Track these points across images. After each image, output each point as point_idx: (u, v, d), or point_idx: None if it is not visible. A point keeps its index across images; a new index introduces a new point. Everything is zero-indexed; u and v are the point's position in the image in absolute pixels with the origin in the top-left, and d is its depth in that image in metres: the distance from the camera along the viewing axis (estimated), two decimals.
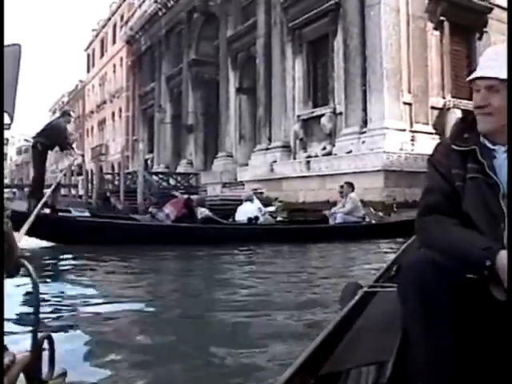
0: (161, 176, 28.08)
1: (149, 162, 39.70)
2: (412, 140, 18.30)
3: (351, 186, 12.67)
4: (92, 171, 29.36)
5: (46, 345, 1.31)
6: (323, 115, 21.02)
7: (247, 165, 25.17)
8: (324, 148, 20.57)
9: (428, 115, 19.34)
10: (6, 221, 1.26)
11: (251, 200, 12.75)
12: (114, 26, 51.24)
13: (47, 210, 10.15)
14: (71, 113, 12.35)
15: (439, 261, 1.61)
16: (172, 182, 27.51)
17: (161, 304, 5.08)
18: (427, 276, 1.55)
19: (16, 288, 4.24)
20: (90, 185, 26.76)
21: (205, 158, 32.69)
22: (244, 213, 12.12)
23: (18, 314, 3.92)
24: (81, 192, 28.48)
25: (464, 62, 21.56)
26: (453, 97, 20.27)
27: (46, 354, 1.31)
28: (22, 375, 1.22)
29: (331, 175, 18.43)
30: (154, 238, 9.83)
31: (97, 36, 58.15)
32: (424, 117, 19.13)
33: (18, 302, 4.43)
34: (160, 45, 37.91)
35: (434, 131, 19.10)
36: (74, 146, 12.21)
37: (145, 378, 2.89)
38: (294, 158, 22.13)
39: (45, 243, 9.93)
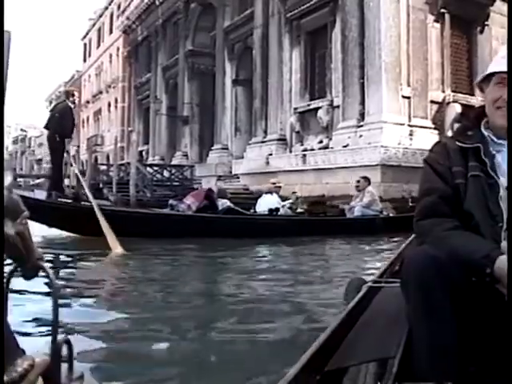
0: (155, 168, 27.88)
1: (144, 153, 39.64)
2: (410, 134, 17.96)
3: (368, 180, 12.87)
4: (87, 162, 29.22)
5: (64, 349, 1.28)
6: (320, 108, 20.69)
7: (243, 157, 24.92)
8: (320, 141, 20.25)
9: (427, 109, 18.96)
10: (23, 222, 1.21)
11: (271, 192, 12.83)
12: (111, 15, 50.83)
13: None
14: (75, 92, 12.04)
15: (441, 256, 1.60)
16: (166, 174, 27.32)
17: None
18: (428, 272, 1.56)
19: (35, 290, 4.21)
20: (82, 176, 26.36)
21: (200, 150, 32.47)
22: (265, 204, 12.26)
23: (36, 318, 3.80)
24: (74, 183, 28.14)
25: (464, 55, 21.12)
26: (453, 91, 19.87)
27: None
28: (40, 379, 1.19)
29: (327, 169, 18.17)
30: (179, 228, 9.82)
31: (93, 25, 57.66)
32: (423, 111, 18.76)
33: (38, 304, 4.27)
34: (156, 35, 37.62)
35: (432, 126, 18.85)
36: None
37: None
38: (290, 151, 21.82)
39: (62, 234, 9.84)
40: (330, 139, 19.68)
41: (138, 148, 40.97)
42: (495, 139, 1.87)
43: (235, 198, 14.76)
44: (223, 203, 11.29)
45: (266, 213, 11.82)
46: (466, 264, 1.63)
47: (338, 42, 20.05)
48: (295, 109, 22.21)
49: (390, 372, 1.52)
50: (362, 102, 18.55)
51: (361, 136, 17.98)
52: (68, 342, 1.29)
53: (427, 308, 1.56)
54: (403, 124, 18.01)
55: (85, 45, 62.63)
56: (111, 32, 50.51)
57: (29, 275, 1.28)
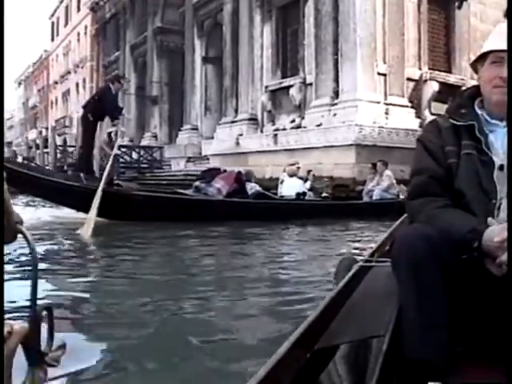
0: (123, 149, 27.22)
1: (112, 135, 38.63)
2: (386, 113, 17.34)
3: (385, 163, 12.81)
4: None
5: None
6: (292, 86, 19.95)
7: (213, 138, 24.19)
8: (293, 121, 19.52)
9: (403, 87, 18.30)
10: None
11: (295, 175, 12.69)
12: None
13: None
14: (121, 80, 12.20)
15: (431, 234, 1.63)
16: (135, 155, 26.76)
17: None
18: (419, 250, 1.59)
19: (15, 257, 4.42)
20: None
21: (170, 130, 31.82)
22: (290, 188, 12.12)
23: (17, 285, 3.84)
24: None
25: (442, 32, 20.55)
26: (430, 68, 19.32)
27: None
28: (20, 347, 1.17)
29: (300, 149, 17.44)
30: (209, 213, 9.80)
31: (61, 3, 56.19)
32: (399, 89, 18.10)
33: (18, 271, 4.47)
34: (125, 12, 36.66)
35: (409, 104, 18.29)
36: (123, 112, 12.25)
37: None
38: (262, 132, 21.11)
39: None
40: (303, 118, 18.98)
41: (106, 129, 40.37)
42: (488, 119, 1.88)
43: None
44: (252, 187, 11.24)
45: (293, 197, 11.74)
46: (454, 240, 1.64)
47: (311, 16, 19.28)
48: (266, 87, 21.45)
49: (380, 350, 1.55)
50: (336, 80, 17.86)
51: (335, 115, 17.31)
52: (48, 309, 1.24)
53: (418, 286, 1.57)
54: (379, 102, 17.37)
55: (52, 23, 61.23)
56: (79, 10, 49.28)
57: (7, 238, 1.23)
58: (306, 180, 13.44)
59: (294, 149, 17.76)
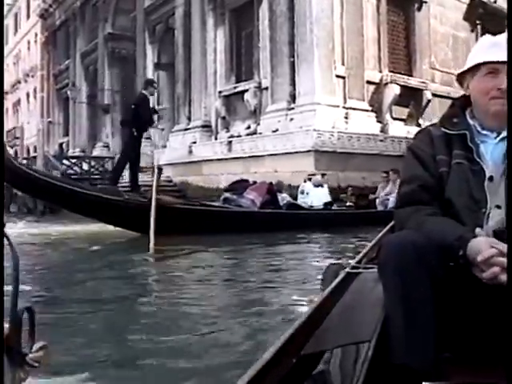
0: (72, 160, 26.20)
1: (64, 145, 37.85)
2: (346, 117, 16.69)
3: (397, 172, 12.38)
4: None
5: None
6: (247, 91, 19.09)
7: (166, 147, 23.11)
8: (248, 127, 18.65)
9: (363, 90, 17.68)
10: None
11: (321, 185, 12.96)
12: None
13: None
14: (155, 84, 12.07)
15: (418, 240, 1.63)
16: (85, 166, 25.65)
17: None
18: (406, 256, 1.59)
19: None
20: None
21: (122, 140, 30.24)
22: (318, 198, 12.47)
23: None
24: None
25: (402, 33, 20.08)
26: (390, 71, 18.75)
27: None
28: None
29: (255, 157, 16.59)
30: (247, 224, 9.78)
31: (10, 10, 54.52)
32: (359, 92, 17.45)
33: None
34: (75, 18, 35.48)
35: (370, 108, 17.66)
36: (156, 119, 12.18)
37: None
38: (216, 139, 20.17)
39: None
40: (258, 124, 18.18)
41: (58, 140, 39.20)
42: (480, 129, 1.88)
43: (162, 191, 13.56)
44: (283, 198, 11.66)
45: (321, 206, 12.19)
46: (441, 247, 1.64)
47: (265, 18, 18.55)
48: (220, 92, 20.56)
49: (366, 356, 1.56)
50: (293, 83, 17.14)
51: (292, 120, 16.55)
52: (29, 310, 1.18)
53: (403, 292, 1.57)
54: (338, 106, 16.70)
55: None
56: (28, 17, 47.91)
57: None
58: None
59: (250, 156, 16.97)
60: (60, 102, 40.09)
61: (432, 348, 1.55)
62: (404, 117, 18.78)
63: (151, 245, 7.93)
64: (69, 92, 34.54)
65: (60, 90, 39.69)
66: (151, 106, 12.28)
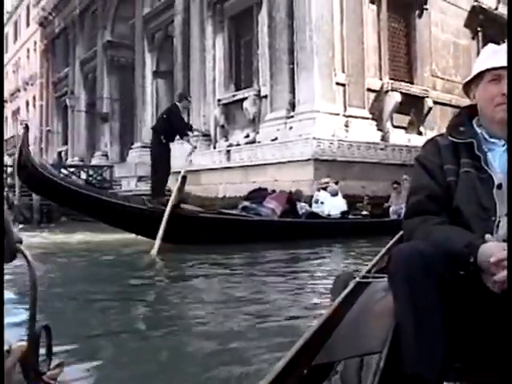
0: (70, 169, 26.03)
1: (63, 154, 37.70)
2: (346, 125, 16.41)
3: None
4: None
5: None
6: (246, 99, 18.78)
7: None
8: (247, 136, 18.38)
9: (364, 98, 17.40)
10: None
11: (337, 194, 12.84)
12: (28, 6, 47.95)
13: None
14: (188, 98, 12.36)
15: (428, 250, 1.64)
16: (84, 175, 25.45)
17: None
18: (415, 266, 1.59)
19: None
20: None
21: (121, 149, 30.49)
22: (335, 207, 12.38)
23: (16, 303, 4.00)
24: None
25: (403, 41, 19.81)
26: (391, 78, 18.46)
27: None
28: (18, 366, 1.20)
29: (254, 166, 16.36)
30: (267, 233, 9.76)
31: (10, 18, 54.49)
32: (359, 100, 17.18)
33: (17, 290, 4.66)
34: (74, 26, 35.25)
35: (370, 116, 17.39)
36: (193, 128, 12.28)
37: None
38: (214, 148, 19.89)
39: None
40: (257, 133, 17.90)
41: (57, 148, 39.04)
42: (487, 137, 1.89)
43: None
44: (302, 207, 11.66)
45: (339, 215, 12.17)
46: (450, 255, 1.64)
47: (264, 25, 18.31)
48: (219, 100, 20.29)
49: (377, 367, 1.54)
50: (292, 91, 16.86)
51: (291, 128, 16.24)
52: (47, 329, 1.26)
53: (414, 302, 1.57)
54: (338, 114, 16.41)
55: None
56: (28, 25, 47.70)
57: (7, 258, 1.25)
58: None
59: (248, 165, 16.70)
60: (59, 111, 39.81)
61: (442, 357, 1.54)
62: (405, 125, 18.52)
63: (154, 250, 8.05)
64: (67, 100, 34.31)
65: (59, 98, 39.45)
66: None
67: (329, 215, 12.15)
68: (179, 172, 19.69)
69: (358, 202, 14.26)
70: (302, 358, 1.43)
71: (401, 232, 2.77)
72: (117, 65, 31.13)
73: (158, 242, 8.33)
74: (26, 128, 8.77)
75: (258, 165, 16.29)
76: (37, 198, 19.19)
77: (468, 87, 2.01)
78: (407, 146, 17.34)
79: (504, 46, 1.86)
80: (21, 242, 1.27)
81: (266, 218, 10.55)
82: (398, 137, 17.68)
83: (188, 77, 21.90)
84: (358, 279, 2.24)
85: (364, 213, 14.04)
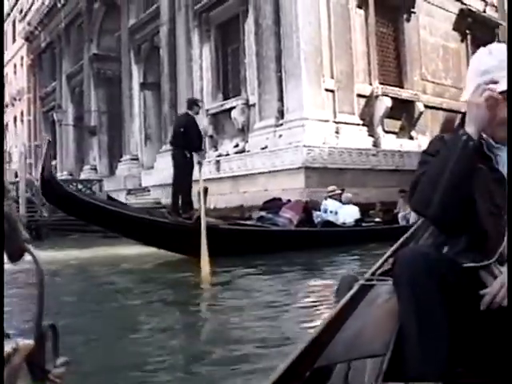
0: None
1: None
2: (336, 132, 16.17)
3: None
4: None
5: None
6: (234, 108, 18.51)
7: (154, 168, 22.55)
8: (236, 145, 18.12)
9: (354, 104, 17.17)
10: (8, 202, 1.32)
11: (349, 202, 12.92)
12: (14, 21, 47.85)
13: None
14: (199, 103, 12.01)
15: (431, 254, 1.69)
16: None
17: None
18: (419, 269, 1.60)
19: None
20: None
21: (110, 162, 30.15)
22: (349, 215, 12.45)
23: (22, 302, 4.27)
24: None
25: (391, 45, 19.62)
26: (381, 83, 18.26)
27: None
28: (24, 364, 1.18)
29: (244, 176, 16.08)
30: (286, 242, 9.82)
31: None
32: (349, 106, 16.94)
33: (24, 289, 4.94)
34: (60, 40, 35.05)
35: (361, 122, 17.15)
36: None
37: None
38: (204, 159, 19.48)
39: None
40: (247, 142, 17.66)
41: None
42: (493, 143, 1.86)
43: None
44: (317, 215, 11.76)
45: (353, 223, 12.27)
46: (453, 152, 1.73)
47: (251, 33, 18.08)
48: (207, 110, 20.00)
49: (380, 370, 1.54)
50: (281, 99, 16.63)
51: (280, 136, 16.01)
52: (53, 327, 1.25)
53: (418, 305, 1.58)
54: (328, 120, 16.17)
55: None
56: (14, 40, 47.53)
57: (14, 258, 1.23)
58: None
59: (238, 175, 16.46)
60: (47, 125, 39.38)
61: (446, 362, 1.54)
62: (396, 130, 18.31)
63: (205, 273, 7.64)
64: (54, 114, 33.96)
65: (47, 112, 39.09)
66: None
67: (344, 223, 12.21)
68: (169, 185, 19.58)
69: (370, 210, 14.38)
70: (304, 359, 1.45)
71: (404, 236, 3.00)
72: (104, 78, 30.83)
73: (205, 258, 8.06)
74: (49, 142, 8.65)
75: (247, 174, 16.09)
76: (23, 213, 18.83)
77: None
78: (399, 151, 17.16)
79: (493, 61, 1.87)
80: (28, 242, 1.26)
81: (283, 227, 10.60)
82: (389, 142, 17.48)
83: (175, 88, 21.68)
84: (362, 281, 2.26)
85: (377, 219, 14.17)
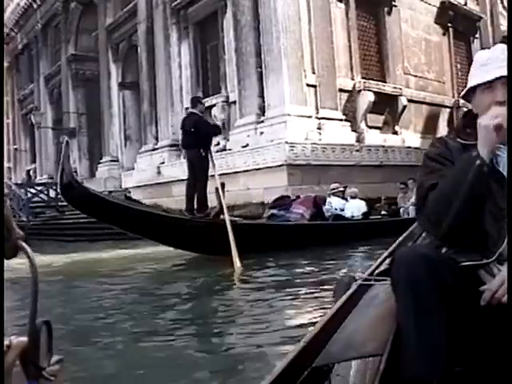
0: (39, 188, 25.26)
1: (31, 172, 36.82)
2: (319, 128, 15.75)
3: (416, 180, 12.24)
4: None
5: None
6: (214, 106, 18.17)
7: (134, 169, 22.24)
8: (217, 143, 17.66)
9: (336, 99, 16.80)
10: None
11: (356, 196, 13.00)
12: None
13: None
14: (201, 100, 11.98)
15: (431, 255, 1.68)
16: (52, 193, 24.69)
17: None
18: (418, 270, 1.60)
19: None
20: None
21: (90, 164, 29.82)
22: (356, 209, 12.56)
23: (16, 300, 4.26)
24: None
25: (373, 39, 19.23)
26: (363, 78, 17.93)
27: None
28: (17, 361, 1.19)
29: (226, 174, 15.59)
30: (300, 237, 9.84)
31: None
32: (332, 101, 16.58)
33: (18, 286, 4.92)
34: (37, 41, 34.51)
35: (343, 117, 16.80)
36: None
37: None
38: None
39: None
40: (228, 140, 17.27)
41: (25, 167, 38.19)
42: None
43: None
44: (327, 209, 11.85)
45: (361, 217, 12.40)
46: (464, 173, 1.71)
47: (230, 29, 17.68)
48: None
49: (378, 369, 1.54)
50: (262, 95, 16.25)
51: (262, 133, 15.66)
52: (47, 324, 1.25)
53: (416, 306, 1.58)
54: (310, 116, 15.79)
55: None
56: None
57: (8, 255, 1.25)
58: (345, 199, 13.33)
59: (219, 174, 15.99)
60: (26, 128, 38.96)
61: (443, 362, 1.54)
62: (380, 125, 18.02)
63: (238, 264, 7.88)
64: (32, 117, 33.49)
65: (25, 115, 38.55)
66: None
67: (352, 217, 12.32)
68: (149, 185, 19.17)
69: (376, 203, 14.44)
70: (302, 359, 1.45)
71: (403, 235, 3.13)
72: (82, 78, 30.41)
73: (235, 255, 8.16)
74: (67, 144, 8.49)
75: (229, 173, 15.62)
76: None
77: (467, 96, 2.03)
78: (383, 146, 16.90)
79: (491, 55, 1.92)
80: (22, 239, 1.26)
81: (300, 222, 10.63)
82: (373, 137, 17.18)
83: (155, 86, 21.31)
84: (360, 281, 2.28)
85: (383, 213, 14.35)
